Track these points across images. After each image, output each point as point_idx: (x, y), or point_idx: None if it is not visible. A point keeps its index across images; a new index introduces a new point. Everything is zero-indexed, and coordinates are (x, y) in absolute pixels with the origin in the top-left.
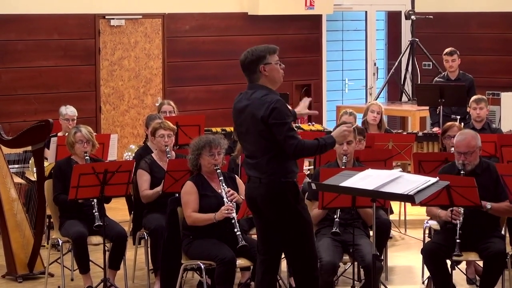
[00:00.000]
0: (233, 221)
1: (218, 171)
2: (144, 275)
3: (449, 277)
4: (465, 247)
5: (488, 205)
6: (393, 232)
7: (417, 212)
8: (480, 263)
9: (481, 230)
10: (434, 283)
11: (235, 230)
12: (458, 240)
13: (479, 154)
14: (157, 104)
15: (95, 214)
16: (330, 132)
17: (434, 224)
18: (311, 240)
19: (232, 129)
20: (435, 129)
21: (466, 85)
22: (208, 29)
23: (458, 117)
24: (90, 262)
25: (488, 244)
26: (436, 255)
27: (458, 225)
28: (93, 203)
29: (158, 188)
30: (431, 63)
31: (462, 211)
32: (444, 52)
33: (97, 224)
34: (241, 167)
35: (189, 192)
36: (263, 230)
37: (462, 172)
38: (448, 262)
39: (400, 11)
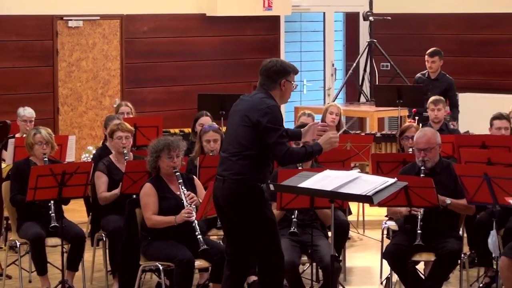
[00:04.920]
0: (193, 224)
1: (177, 173)
2: (103, 277)
3: (417, 276)
4: (423, 247)
5: (448, 200)
6: (352, 232)
7: (376, 212)
8: None
9: (440, 231)
10: (404, 284)
11: (196, 233)
12: (419, 231)
13: (439, 152)
14: (115, 106)
15: (52, 215)
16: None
17: (392, 224)
18: (277, 240)
19: (190, 130)
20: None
21: (445, 86)
22: (167, 30)
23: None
24: (48, 264)
25: (444, 243)
26: (398, 256)
27: (419, 216)
28: (49, 204)
29: (116, 191)
30: (389, 64)
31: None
32: (427, 52)
33: (53, 225)
34: (200, 168)
35: (148, 194)
36: (228, 231)
37: (422, 168)
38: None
39: (358, 12)
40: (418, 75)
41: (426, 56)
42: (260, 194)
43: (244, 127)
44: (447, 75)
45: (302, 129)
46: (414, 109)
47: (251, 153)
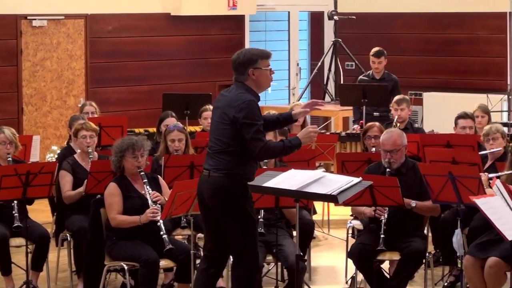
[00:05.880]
0: (158, 223)
1: (142, 173)
2: (67, 277)
3: (382, 275)
4: (388, 246)
5: (413, 203)
6: (317, 232)
7: (341, 212)
8: None
9: (404, 230)
10: (369, 284)
11: (161, 233)
12: (382, 236)
13: (405, 153)
14: (79, 105)
15: (15, 215)
16: None
17: (357, 224)
18: (254, 238)
19: (155, 130)
20: (356, 127)
21: (390, 85)
22: (131, 30)
23: (378, 114)
24: (12, 264)
25: (408, 242)
26: (363, 255)
27: (383, 220)
28: (13, 204)
29: (81, 189)
30: (353, 63)
31: (387, 208)
32: (371, 53)
33: (16, 225)
34: (165, 167)
35: (112, 194)
36: (210, 227)
37: (388, 170)
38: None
39: (323, 12)
40: (361, 77)
41: (371, 57)
42: (244, 190)
43: (223, 124)
44: (392, 74)
45: (292, 111)
46: (361, 121)
47: (234, 149)
